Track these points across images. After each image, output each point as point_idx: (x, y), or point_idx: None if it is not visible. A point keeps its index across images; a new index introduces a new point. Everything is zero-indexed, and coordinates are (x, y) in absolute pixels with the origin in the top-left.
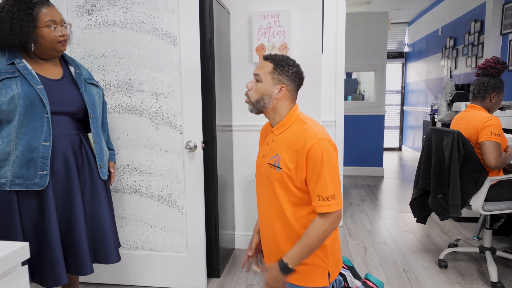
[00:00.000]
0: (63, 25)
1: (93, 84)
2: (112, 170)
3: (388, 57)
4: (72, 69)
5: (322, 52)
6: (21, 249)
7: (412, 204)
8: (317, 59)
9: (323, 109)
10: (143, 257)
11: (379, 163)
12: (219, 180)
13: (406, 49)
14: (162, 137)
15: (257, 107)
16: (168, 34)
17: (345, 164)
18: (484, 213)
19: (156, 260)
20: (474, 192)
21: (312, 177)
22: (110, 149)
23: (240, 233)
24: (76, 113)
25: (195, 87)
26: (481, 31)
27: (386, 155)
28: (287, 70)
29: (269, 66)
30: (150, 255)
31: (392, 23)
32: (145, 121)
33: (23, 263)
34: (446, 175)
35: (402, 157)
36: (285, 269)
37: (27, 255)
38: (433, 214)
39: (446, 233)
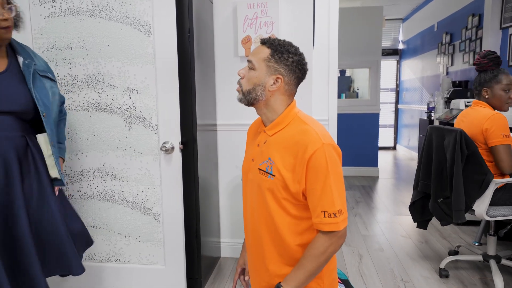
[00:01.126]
0: (5, 7)
1: (47, 77)
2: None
3: (382, 54)
4: (20, 59)
5: (313, 46)
6: None
7: (412, 207)
8: (308, 52)
9: (315, 106)
10: (116, 270)
11: (374, 163)
12: (201, 184)
13: (401, 46)
14: (136, 137)
15: (248, 98)
16: (141, 22)
17: None
18: (489, 219)
19: (131, 273)
20: (478, 196)
21: (314, 190)
22: (60, 143)
23: (226, 240)
24: (22, 112)
25: (172, 82)
26: (479, 26)
27: (381, 154)
28: (286, 58)
29: (266, 52)
30: (124, 267)
31: (386, 20)
32: (117, 120)
33: None
34: (447, 177)
35: (397, 156)
36: None
37: None
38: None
39: (446, 238)
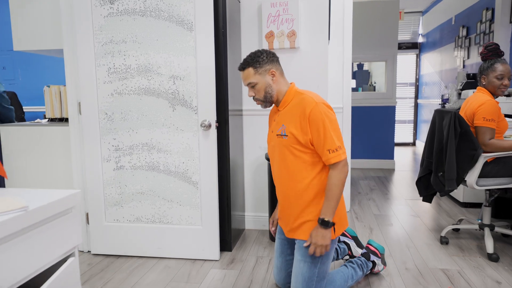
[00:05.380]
0: None
1: None
2: None
3: (401, 48)
4: None
5: (329, 39)
6: (74, 195)
7: (418, 183)
8: (324, 45)
9: (331, 95)
10: (160, 230)
11: (390, 155)
12: (231, 162)
13: (420, 40)
14: (179, 117)
15: (268, 100)
16: (184, 21)
17: (355, 157)
18: (477, 188)
19: (172, 232)
20: (469, 168)
21: (318, 136)
22: None
23: (250, 214)
24: None
25: (210, 70)
26: (492, 20)
27: (399, 150)
28: (261, 60)
29: (250, 70)
30: (167, 228)
31: (405, 13)
32: (163, 102)
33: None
34: (445, 153)
35: (416, 151)
36: (324, 223)
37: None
38: (441, 201)
39: (452, 217)
